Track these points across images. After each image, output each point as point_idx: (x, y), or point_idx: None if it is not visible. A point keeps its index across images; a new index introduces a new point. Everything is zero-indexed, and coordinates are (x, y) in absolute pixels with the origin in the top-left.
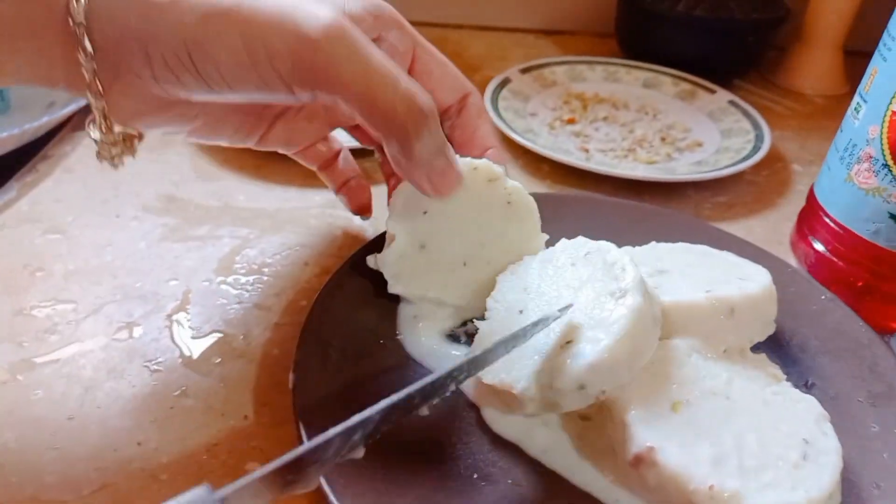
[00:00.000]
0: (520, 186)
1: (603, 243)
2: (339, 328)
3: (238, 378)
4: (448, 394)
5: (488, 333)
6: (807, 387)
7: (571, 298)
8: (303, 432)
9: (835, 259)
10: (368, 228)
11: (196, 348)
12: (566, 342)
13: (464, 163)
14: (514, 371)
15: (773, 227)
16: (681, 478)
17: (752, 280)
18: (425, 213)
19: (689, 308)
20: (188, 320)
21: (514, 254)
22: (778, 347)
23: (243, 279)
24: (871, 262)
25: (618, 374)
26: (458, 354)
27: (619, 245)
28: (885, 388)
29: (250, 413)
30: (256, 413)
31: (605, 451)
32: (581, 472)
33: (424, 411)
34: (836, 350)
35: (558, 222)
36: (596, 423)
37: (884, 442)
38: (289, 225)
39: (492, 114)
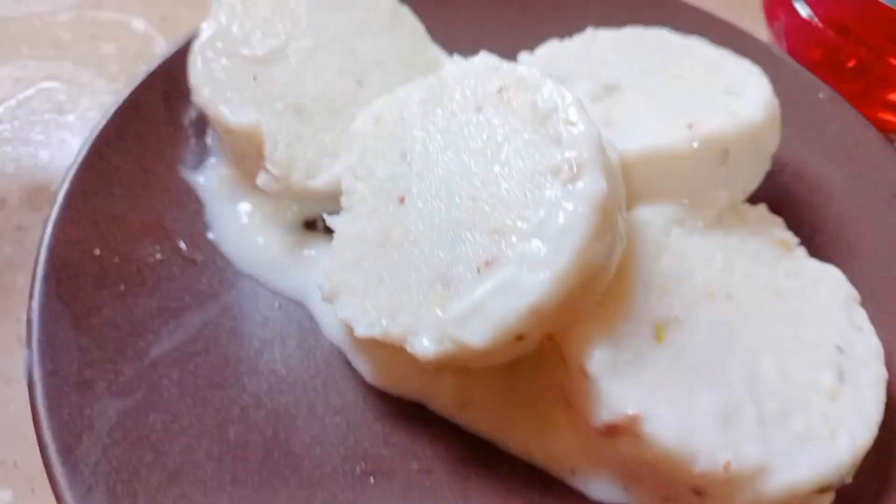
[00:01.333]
0: None
1: (523, 68)
2: (102, 230)
3: None
4: None
5: (353, 237)
6: (817, 241)
7: (480, 177)
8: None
9: (825, 30)
10: (157, 38)
11: None
12: (485, 263)
13: None
14: (402, 312)
15: None
16: (681, 455)
17: (745, 96)
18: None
19: (666, 158)
20: None
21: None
22: (775, 185)
23: None
24: (876, 31)
25: (572, 311)
26: (312, 256)
27: (535, 35)
28: None
29: None
30: None
31: (551, 397)
32: (515, 434)
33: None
34: (846, 174)
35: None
36: (533, 362)
37: None
38: (24, 46)
39: None
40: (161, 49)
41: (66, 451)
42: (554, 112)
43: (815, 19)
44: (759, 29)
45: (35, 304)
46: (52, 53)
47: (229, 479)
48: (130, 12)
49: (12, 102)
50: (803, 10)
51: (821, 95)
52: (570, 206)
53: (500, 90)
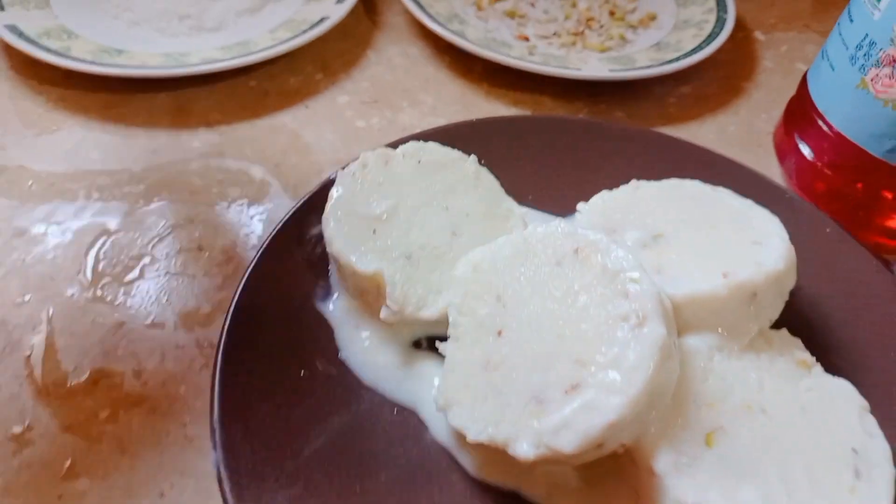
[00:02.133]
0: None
1: (596, 236)
2: (264, 353)
3: (139, 437)
4: None
5: (461, 361)
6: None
7: (563, 318)
8: None
9: (827, 171)
10: (272, 182)
11: (72, 401)
12: (571, 387)
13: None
14: (504, 423)
15: (747, 126)
16: None
17: (769, 246)
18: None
19: (706, 301)
20: (57, 359)
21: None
22: (793, 313)
23: (116, 283)
24: (878, 182)
25: (641, 425)
26: (421, 371)
27: (589, 186)
28: None
29: (167, 489)
30: (175, 488)
31: (621, 491)
32: None
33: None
34: (853, 302)
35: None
36: (608, 464)
37: None
38: (164, 190)
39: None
40: (276, 190)
41: None
42: (621, 272)
43: (816, 160)
44: (771, 163)
45: (215, 416)
46: (188, 197)
47: None
48: (248, 160)
49: (158, 240)
50: (806, 152)
51: (828, 230)
52: (637, 346)
53: (576, 250)
